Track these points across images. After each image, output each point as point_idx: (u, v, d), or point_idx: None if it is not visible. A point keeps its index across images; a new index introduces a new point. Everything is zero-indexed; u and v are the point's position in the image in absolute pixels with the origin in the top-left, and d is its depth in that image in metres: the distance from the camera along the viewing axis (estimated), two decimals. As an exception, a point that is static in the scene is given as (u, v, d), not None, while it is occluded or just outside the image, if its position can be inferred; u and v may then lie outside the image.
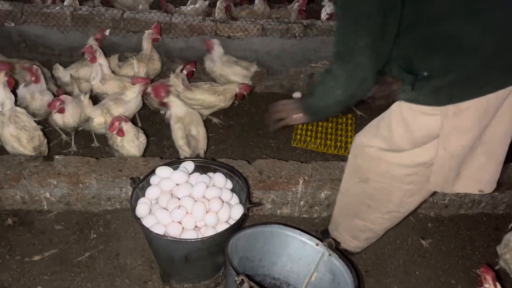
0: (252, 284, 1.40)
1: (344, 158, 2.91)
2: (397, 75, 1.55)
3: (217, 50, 3.17)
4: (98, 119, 2.62)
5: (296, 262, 1.84)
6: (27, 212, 2.31)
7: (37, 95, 2.64)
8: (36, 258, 2.09)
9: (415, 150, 1.57)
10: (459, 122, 1.41)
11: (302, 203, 2.40)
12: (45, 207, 2.31)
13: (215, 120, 3.17)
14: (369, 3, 1.32)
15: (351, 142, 3.02)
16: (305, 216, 2.46)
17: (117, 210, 2.36)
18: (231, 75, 3.17)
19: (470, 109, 1.39)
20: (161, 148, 2.93)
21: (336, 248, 1.76)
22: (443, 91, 1.41)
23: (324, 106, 1.63)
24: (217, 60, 3.18)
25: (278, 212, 2.43)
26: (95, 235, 2.23)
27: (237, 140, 3.06)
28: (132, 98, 2.72)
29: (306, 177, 2.31)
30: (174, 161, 2.04)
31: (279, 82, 3.55)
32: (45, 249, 2.14)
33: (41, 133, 2.50)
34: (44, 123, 2.74)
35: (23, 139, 2.39)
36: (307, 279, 1.83)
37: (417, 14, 1.34)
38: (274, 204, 2.39)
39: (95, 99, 2.93)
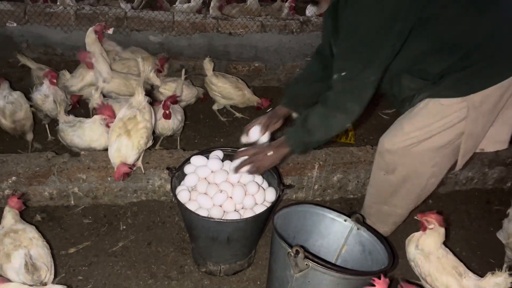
0: (306, 254, 1.55)
1: (345, 145, 3.11)
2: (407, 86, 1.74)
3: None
4: None
5: (326, 238, 2.01)
6: (54, 208, 2.35)
7: (51, 97, 2.66)
8: (72, 250, 2.15)
9: (437, 136, 1.75)
10: (485, 108, 1.61)
11: (316, 187, 2.58)
12: (72, 202, 2.36)
13: (238, 115, 3.37)
14: (384, 43, 1.48)
15: (350, 130, 3.23)
16: (318, 199, 2.64)
17: (143, 201, 2.45)
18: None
19: (493, 96, 1.59)
20: (172, 142, 3.02)
21: (364, 222, 1.94)
22: (463, 82, 1.60)
23: (328, 138, 1.79)
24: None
25: (294, 196, 2.60)
26: (124, 226, 2.31)
27: (244, 132, 3.19)
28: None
29: (321, 162, 2.49)
30: (204, 151, 2.15)
31: (276, 76, 3.72)
32: (78, 242, 2.20)
33: (28, 106, 2.61)
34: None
35: (7, 111, 2.53)
36: (337, 252, 2.00)
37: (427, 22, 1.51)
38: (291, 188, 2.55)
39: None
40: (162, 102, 2.57)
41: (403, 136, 1.81)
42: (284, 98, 2.14)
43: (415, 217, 1.90)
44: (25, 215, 2.28)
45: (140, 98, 2.27)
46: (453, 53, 1.58)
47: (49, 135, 2.89)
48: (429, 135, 1.74)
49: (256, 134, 1.98)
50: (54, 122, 2.75)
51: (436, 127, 1.71)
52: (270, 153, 1.82)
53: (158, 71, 3.01)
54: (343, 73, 1.59)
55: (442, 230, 1.85)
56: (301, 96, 2.08)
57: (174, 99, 2.59)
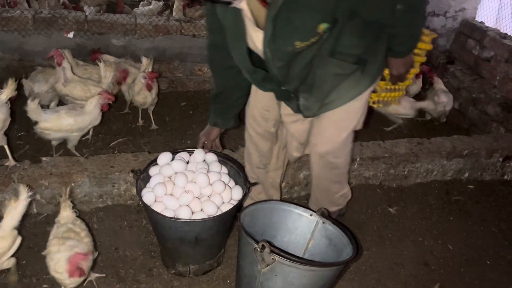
0: (272, 248, 1.58)
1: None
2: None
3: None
4: (43, 124, 2.51)
5: (294, 233, 2.05)
6: (15, 216, 2.28)
7: None
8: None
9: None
10: None
11: (283, 184, 2.61)
12: (35, 209, 2.30)
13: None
14: None
15: None
16: (286, 196, 2.67)
17: (109, 206, 2.41)
18: None
19: None
20: (137, 145, 2.99)
21: (329, 215, 1.99)
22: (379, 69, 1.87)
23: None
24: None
25: (262, 195, 2.63)
26: (90, 233, 2.26)
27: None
28: (90, 110, 2.63)
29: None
30: (172, 152, 2.15)
31: (241, 78, 3.74)
32: (43, 250, 2.14)
33: None
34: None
35: None
36: (304, 246, 2.04)
37: None
38: (258, 187, 2.58)
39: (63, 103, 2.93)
40: None
41: (339, 132, 1.98)
42: (211, 119, 2.15)
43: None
44: (-15, 225, 2.22)
45: (66, 213, 1.99)
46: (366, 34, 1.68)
47: None
48: (358, 120, 1.99)
49: (201, 156, 2.10)
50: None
51: (362, 113, 1.98)
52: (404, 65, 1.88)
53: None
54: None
55: None
56: (226, 107, 2.11)
57: None
